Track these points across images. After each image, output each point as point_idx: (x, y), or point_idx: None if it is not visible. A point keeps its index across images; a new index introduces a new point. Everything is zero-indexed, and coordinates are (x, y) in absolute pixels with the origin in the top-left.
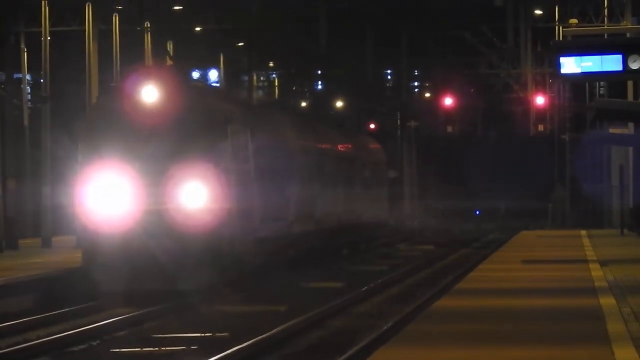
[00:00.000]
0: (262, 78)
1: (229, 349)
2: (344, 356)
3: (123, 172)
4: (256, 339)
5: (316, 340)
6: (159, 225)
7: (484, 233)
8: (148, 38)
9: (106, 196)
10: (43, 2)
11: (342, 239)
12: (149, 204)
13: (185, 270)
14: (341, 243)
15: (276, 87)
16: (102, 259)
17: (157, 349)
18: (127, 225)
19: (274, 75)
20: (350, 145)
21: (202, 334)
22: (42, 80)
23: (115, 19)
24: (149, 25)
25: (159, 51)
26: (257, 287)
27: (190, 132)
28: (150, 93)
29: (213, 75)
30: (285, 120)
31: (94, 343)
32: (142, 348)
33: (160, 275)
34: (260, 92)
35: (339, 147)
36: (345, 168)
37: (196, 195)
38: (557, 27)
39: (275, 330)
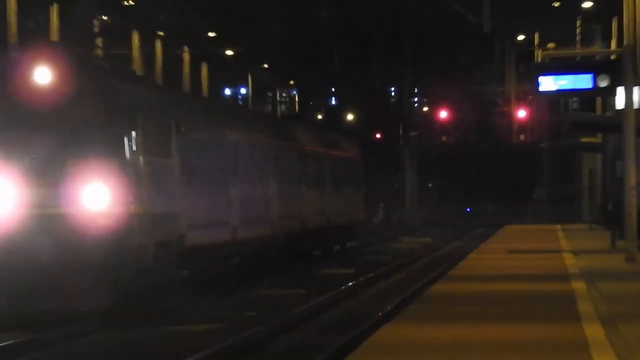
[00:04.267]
0: (284, 94)
1: None
2: (354, 333)
3: (7, 170)
4: None
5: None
6: (48, 232)
7: (474, 227)
8: (187, 59)
9: None
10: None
11: (307, 243)
12: (35, 207)
13: (79, 288)
14: (305, 247)
15: (296, 103)
16: None
17: None
18: (9, 231)
19: (294, 92)
20: (318, 143)
21: None
22: None
23: (158, 44)
24: (187, 49)
25: (195, 73)
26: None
27: (87, 120)
28: (38, 74)
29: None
30: (231, 114)
31: None
32: None
33: (50, 294)
34: (283, 107)
35: (304, 144)
36: (312, 167)
37: (94, 196)
38: (536, 51)
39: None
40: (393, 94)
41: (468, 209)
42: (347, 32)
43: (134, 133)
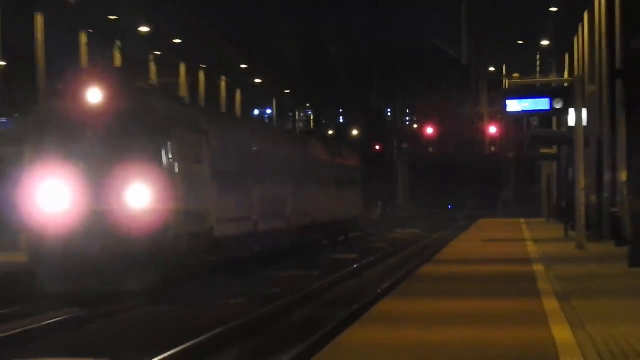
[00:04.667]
0: (302, 114)
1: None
2: (356, 307)
3: (67, 173)
4: None
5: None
6: (100, 225)
7: (455, 220)
8: (223, 86)
9: (51, 197)
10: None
11: (316, 234)
12: (90, 205)
13: (127, 272)
14: (315, 237)
15: (311, 121)
16: (46, 259)
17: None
18: (71, 226)
19: (309, 112)
20: (324, 152)
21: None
22: None
23: (201, 74)
24: (224, 78)
25: (230, 97)
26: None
27: (132, 132)
28: (91, 93)
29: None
30: (254, 128)
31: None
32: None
33: (103, 277)
34: (301, 124)
35: (313, 154)
36: (320, 171)
37: (137, 196)
38: (504, 79)
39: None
40: (389, 113)
41: (450, 206)
42: (352, 63)
43: (169, 143)
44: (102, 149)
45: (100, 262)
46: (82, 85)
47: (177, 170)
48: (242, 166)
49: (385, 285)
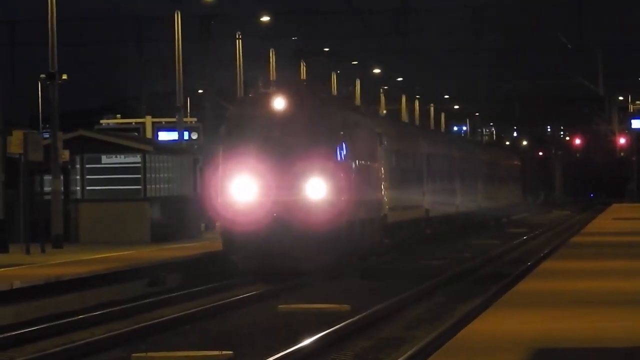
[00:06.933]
0: (487, 130)
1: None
2: (499, 285)
3: (255, 170)
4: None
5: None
6: (284, 213)
7: (594, 205)
8: (432, 112)
9: (242, 190)
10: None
11: (481, 218)
12: (276, 196)
13: (306, 254)
14: (480, 220)
15: (493, 135)
16: (238, 245)
17: None
18: (259, 215)
19: (493, 129)
20: (489, 156)
21: None
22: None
23: (416, 103)
24: (433, 105)
25: (437, 120)
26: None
27: (312, 134)
28: (278, 101)
29: None
30: (429, 136)
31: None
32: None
33: (284, 257)
34: (486, 137)
35: (479, 156)
36: (485, 169)
37: (315, 188)
38: (629, 105)
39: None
40: (549, 129)
41: (591, 194)
42: (523, 94)
43: (344, 144)
44: (285, 148)
45: (283, 246)
46: (269, 94)
47: (351, 166)
48: (413, 164)
49: (547, 250)
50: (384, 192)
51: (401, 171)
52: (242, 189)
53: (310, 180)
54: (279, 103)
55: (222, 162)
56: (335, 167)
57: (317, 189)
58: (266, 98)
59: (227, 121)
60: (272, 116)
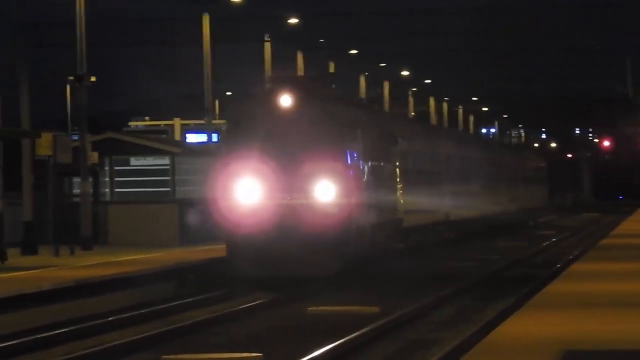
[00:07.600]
0: (515, 132)
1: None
2: (528, 287)
3: (260, 170)
4: None
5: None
6: (291, 217)
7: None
8: (460, 114)
9: (246, 192)
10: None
11: (506, 219)
12: (282, 198)
13: (313, 259)
14: (505, 222)
15: (522, 137)
16: (243, 249)
17: None
18: (264, 218)
19: (522, 132)
20: (513, 156)
21: None
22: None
23: (445, 104)
24: (461, 107)
25: (466, 122)
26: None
27: (320, 134)
28: (284, 99)
29: None
30: (448, 136)
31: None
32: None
33: (291, 264)
34: (515, 139)
35: (503, 157)
36: (506, 171)
37: (324, 191)
38: None
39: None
40: (577, 131)
41: (620, 197)
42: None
43: (354, 144)
44: (292, 148)
45: (289, 251)
46: (274, 90)
47: (362, 167)
48: (432, 166)
49: (576, 253)
50: (400, 195)
51: (419, 173)
52: (245, 191)
53: (318, 182)
54: (285, 100)
55: (224, 162)
56: (345, 168)
57: (325, 191)
58: (271, 95)
59: (230, 119)
60: (277, 114)
